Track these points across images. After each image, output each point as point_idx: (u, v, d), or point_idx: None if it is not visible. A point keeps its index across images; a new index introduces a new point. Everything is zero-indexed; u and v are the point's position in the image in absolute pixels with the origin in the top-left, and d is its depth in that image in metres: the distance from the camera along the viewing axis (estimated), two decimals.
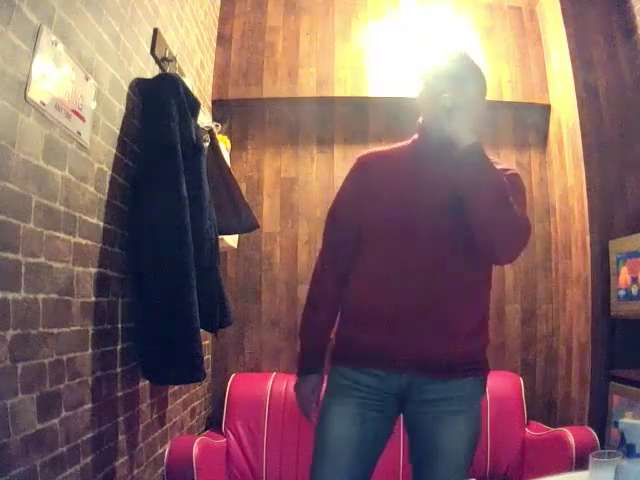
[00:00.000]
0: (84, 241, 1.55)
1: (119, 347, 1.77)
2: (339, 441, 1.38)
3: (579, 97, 2.62)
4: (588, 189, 2.54)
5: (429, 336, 1.35)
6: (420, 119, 1.51)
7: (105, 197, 1.68)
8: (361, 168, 1.53)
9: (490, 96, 2.93)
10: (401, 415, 1.45)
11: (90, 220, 1.58)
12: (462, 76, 1.40)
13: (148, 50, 1.98)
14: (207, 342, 2.72)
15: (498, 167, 1.42)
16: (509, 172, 1.46)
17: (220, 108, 2.99)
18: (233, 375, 2.71)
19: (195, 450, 2.10)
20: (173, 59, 2.14)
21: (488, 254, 1.40)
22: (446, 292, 1.37)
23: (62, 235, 1.42)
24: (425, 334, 1.35)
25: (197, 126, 2.06)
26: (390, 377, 1.37)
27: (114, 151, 1.73)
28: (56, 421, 1.37)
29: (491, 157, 1.40)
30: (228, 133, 2.89)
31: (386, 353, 1.36)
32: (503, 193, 1.31)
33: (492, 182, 1.31)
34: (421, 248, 1.37)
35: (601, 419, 2.37)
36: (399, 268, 1.38)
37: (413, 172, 1.44)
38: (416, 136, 1.52)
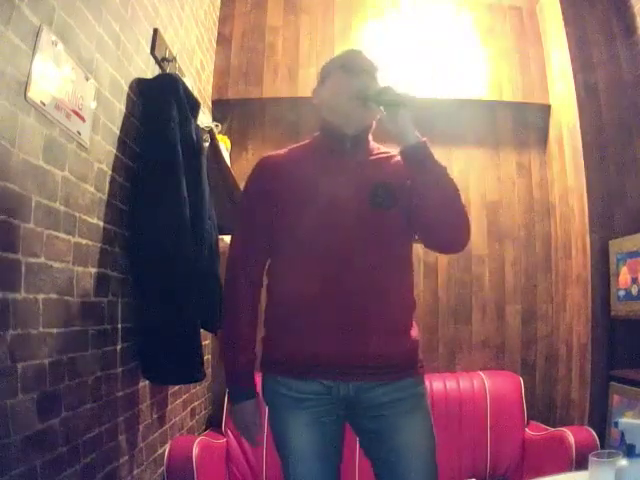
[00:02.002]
0: (84, 241, 1.55)
1: (119, 347, 1.77)
2: (303, 454, 1.36)
3: (579, 97, 2.62)
4: (588, 189, 2.54)
5: (370, 339, 1.34)
6: (324, 116, 1.46)
7: (105, 197, 1.68)
8: (265, 173, 1.46)
9: (490, 96, 3.02)
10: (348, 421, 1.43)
11: (90, 220, 1.58)
12: (370, 71, 1.41)
13: (148, 50, 1.98)
14: (207, 342, 2.72)
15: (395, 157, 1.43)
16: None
17: (220, 108, 2.99)
18: None
19: (195, 450, 2.10)
20: (173, 59, 2.14)
21: (439, 245, 1.47)
22: (380, 292, 1.35)
23: (62, 235, 1.42)
24: (366, 338, 1.33)
25: (197, 126, 2.06)
26: (338, 385, 1.35)
27: (114, 151, 1.73)
28: (56, 421, 1.37)
29: (379, 145, 1.47)
30: (228, 133, 2.89)
31: (333, 363, 1.33)
32: (453, 187, 1.35)
33: (443, 178, 1.34)
34: (347, 248, 1.35)
35: (601, 419, 2.37)
36: (328, 272, 1.34)
37: (327, 172, 1.40)
38: (318, 134, 1.50)
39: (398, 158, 1.39)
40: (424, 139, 1.33)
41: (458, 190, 1.36)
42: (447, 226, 1.36)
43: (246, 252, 1.45)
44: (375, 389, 1.35)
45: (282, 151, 1.52)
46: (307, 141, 1.53)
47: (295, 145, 1.53)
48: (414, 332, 1.44)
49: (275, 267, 1.45)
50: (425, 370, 1.46)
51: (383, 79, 1.43)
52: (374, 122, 1.45)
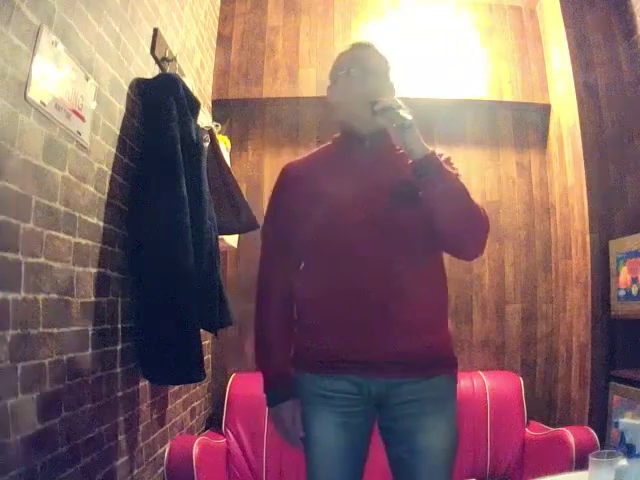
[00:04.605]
0: (84, 241, 1.55)
1: (119, 347, 1.77)
2: (329, 454, 1.36)
3: (579, 97, 2.62)
4: (588, 189, 2.54)
5: (398, 336, 1.34)
6: (340, 117, 1.47)
7: (105, 197, 1.68)
8: (289, 178, 1.49)
9: (490, 96, 3.02)
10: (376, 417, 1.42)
11: (90, 220, 1.58)
12: (380, 71, 1.42)
13: (148, 50, 1.98)
14: (207, 342, 2.72)
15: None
16: (444, 157, 1.40)
17: (220, 108, 2.99)
18: (233, 375, 2.71)
19: (195, 450, 2.10)
20: (173, 59, 2.14)
21: (457, 253, 1.45)
22: (404, 289, 1.35)
23: (62, 235, 1.42)
24: (394, 334, 1.33)
25: (197, 126, 2.06)
26: (367, 382, 1.35)
27: (114, 151, 1.73)
28: (56, 421, 1.37)
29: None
30: (228, 133, 2.89)
31: (360, 360, 1.33)
32: (464, 196, 1.33)
33: (453, 189, 1.32)
34: (370, 247, 1.35)
35: (601, 419, 2.37)
36: (353, 270, 1.35)
37: (347, 173, 1.41)
38: (337, 135, 1.50)
39: None
40: (432, 151, 1.31)
41: (470, 195, 1.33)
42: (463, 233, 1.35)
43: (276, 259, 1.47)
44: (402, 386, 1.35)
45: (303, 156, 1.55)
46: (328, 143, 1.54)
47: (315, 149, 1.56)
48: (444, 330, 1.43)
49: (302, 268, 1.46)
50: (457, 370, 1.43)
51: (395, 75, 1.44)
52: None
